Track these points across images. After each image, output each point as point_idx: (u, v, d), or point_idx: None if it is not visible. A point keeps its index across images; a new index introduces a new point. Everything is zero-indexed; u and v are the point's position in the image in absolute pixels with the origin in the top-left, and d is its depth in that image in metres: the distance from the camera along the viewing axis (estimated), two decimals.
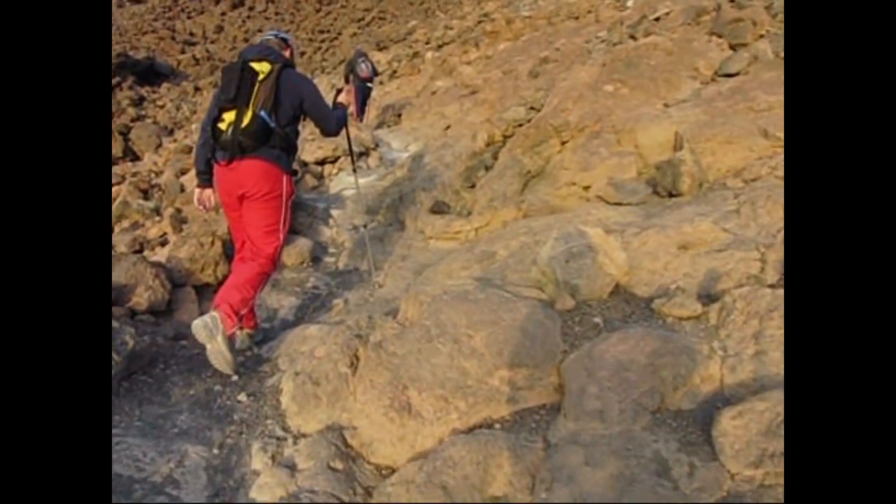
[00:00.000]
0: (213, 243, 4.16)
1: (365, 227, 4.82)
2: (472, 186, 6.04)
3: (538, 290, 2.96)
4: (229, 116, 3.12)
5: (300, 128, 3.51)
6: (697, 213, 3.37)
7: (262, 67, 3.15)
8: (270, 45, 3.37)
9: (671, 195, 4.10)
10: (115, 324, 2.84)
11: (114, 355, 2.64)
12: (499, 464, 1.95)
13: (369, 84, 12.49)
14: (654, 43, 6.61)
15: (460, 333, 2.46)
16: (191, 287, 4.06)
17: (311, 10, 34.99)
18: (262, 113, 3.09)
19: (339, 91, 3.89)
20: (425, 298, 2.74)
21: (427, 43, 21.44)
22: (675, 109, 5.30)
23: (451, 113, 11.42)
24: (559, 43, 12.74)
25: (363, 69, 12.58)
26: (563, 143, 5.82)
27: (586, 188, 5.06)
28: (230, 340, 2.96)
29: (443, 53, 18.57)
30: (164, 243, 6.37)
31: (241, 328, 3.50)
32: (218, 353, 2.88)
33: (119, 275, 3.59)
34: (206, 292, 4.23)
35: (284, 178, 3.28)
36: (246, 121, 3.08)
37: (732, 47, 6.31)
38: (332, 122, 3.48)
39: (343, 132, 3.81)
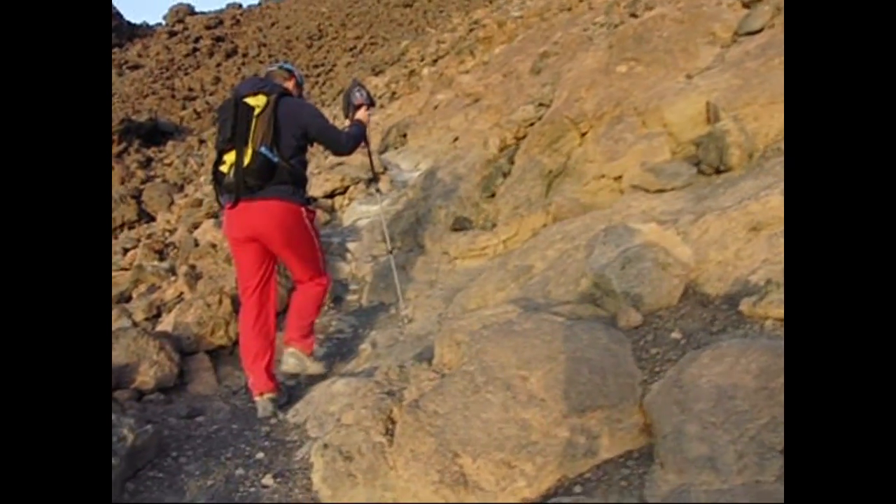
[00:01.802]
0: (220, 302, 3.79)
1: (390, 252, 4.41)
2: (492, 196, 5.61)
3: (594, 307, 2.50)
4: (230, 157, 2.96)
5: (307, 158, 3.28)
6: (760, 187, 2.88)
7: (257, 101, 2.96)
8: (268, 77, 3.26)
9: (719, 171, 3.62)
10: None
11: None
12: None
13: (367, 111, 12.18)
14: (660, 14, 6.13)
15: (512, 377, 2.02)
16: (203, 353, 3.68)
17: (303, 46, 35.21)
18: (263, 149, 2.90)
19: (357, 107, 3.64)
20: (462, 337, 2.31)
21: (422, 60, 21.26)
22: (700, 79, 4.82)
23: (456, 124, 11.04)
24: (556, 37, 12.33)
25: (357, 98, 12.29)
26: (583, 134, 5.37)
27: (617, 179, 4.60)
28: (311, 356, 3.40)
29: (439, 67, 18.31)
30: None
31: (262, 394, 3.12)
32: (315, 375, 3.40)
33: (119, 353, 3.22)
34: (221, 356, 3.85)
35: (302, 211, 3.10)
36: (247, 160, 2.90)
37: (746, 5, 5.82)
38: (342, 142, 3.31)
39: (363, 150, 3.63)
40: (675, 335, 2.14)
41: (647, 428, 1.86)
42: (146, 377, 3.18)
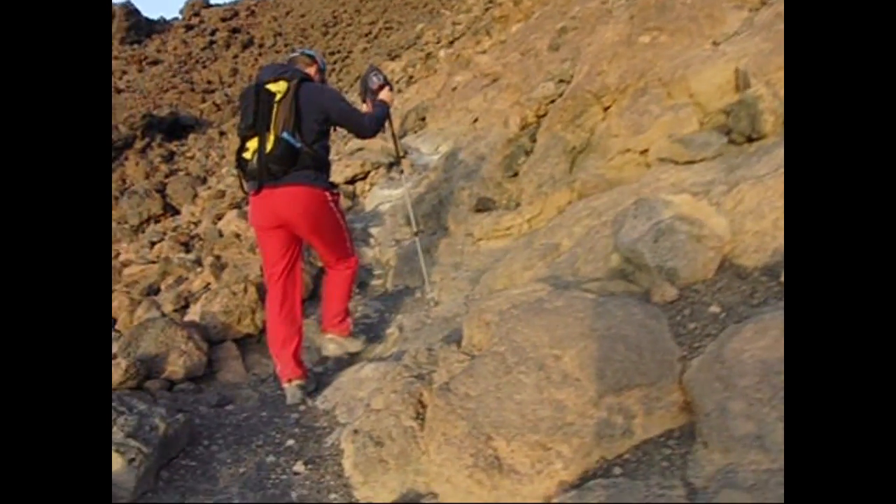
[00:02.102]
0: (245, 290, 3.78)
1: (416, 233, 4.35)
2: (515, 175, 5.52)
3: (626, 283, 2.42)
4: (252, 144, 2.96)
5: (329, 143, 3.26)
6: None
7: (278, 87, 2.96)
8: (291, 63, 3.26)
9: (751, 140, 3.48)
10: (142, 406, 2.45)
11: (143, 447, 2.24)
12: None
13: (382, 97, 12.09)
14: None
15: (544, 356, 1.95)
16: (230, 342, 3.68)
17: (319, 34, 35.10)
18: (285, 134, 2.89)
19: (374, 91, 3.61)
20: (492, 317, 2.25)
21: (438, 42, 21.02)
22: (727, 45, 4.65)
23: (475, 105, 10.89)
24: (574, 11, 12.03)
25: (374, 81, 12.21)
26: (606, 108, 5.24)
27: (643, 153, 4.47)
28: (349, 336, 3.51)
29: (456, 49, 18.09)
30: None
31: (290, 380, 3.11)
32: (356, 353, 3.53)
33: (148, 344, 3.23)
34: (248, 344, 3.85)
35: (326, 195, 3.10)
36: (269, 146, 2.90)
37: None
38: (365, 125, 3.28)
39: (383, 135, 3.58)
40: (714, 309, 2.06)
41: (687, 406, 1.79)
42: (176, 367, 3.19)
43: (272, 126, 2.91)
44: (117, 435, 2.25)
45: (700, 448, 1.65)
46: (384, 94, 3.59)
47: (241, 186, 3.19)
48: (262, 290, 3.93)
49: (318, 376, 3.51)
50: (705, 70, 4.37)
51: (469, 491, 1.78)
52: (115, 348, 3.43)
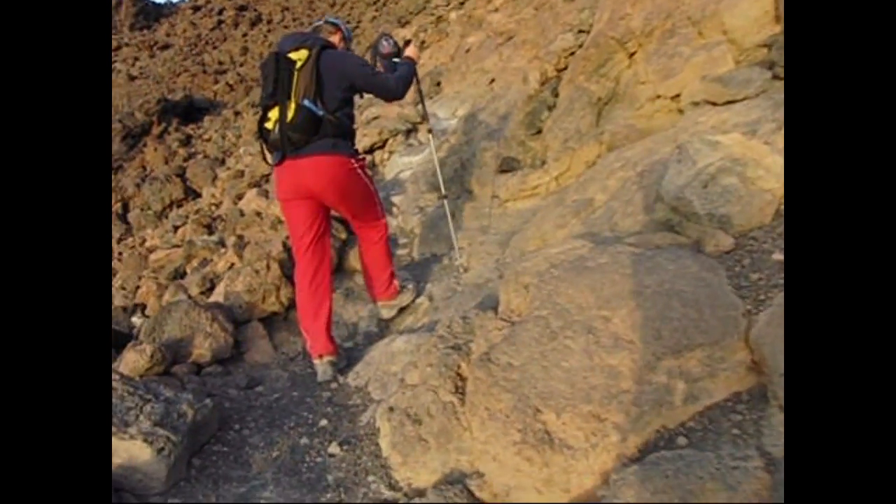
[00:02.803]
0: (268, 267, 3.65)
1: (444, 197, 4.18)
2: (538, 132, 5.28)
3: (672, 234, 2.22)
4: (274, 114, 2.89)
5: (354, 111, 3.17)
6: None
7: (299, 55, 2.88)
8: (314, 32, 3.19)
9: None
10: (169, 393, 2.35)
11: (171, 435, 2.14)
12: None
13: (395, 60, 11.85)
14: None
15: (592, 318, 1.78)
16: (256, 321, 3.57)
17: (326, 6, 34.55)
18: (307, 102, 2.81)
19: (406, 43, 3.52)
20: (530, 279, 2.08)
21: (447, 4, 20.44)
22: None
23: (491, 66, 10.56)
24: None
25: (384, 46, 11.96)
26: (631, 55, 4.94)
27: (675, 98, 4.20)
28: (399, 293, 3.55)
29: (466, 9, 17.58)
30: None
31: (321, 356, 3.00)
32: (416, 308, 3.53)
33: (173, 328, 3.13)
34: (274, 323, 3.74)
35: (351, 161, 3.02)
36: (291, 114, 2.82)
37: None
38: (391, 87, 3.14)
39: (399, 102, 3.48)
40: (778, 256, 1.85)
41: (756, 366, 1.61)
42: (202, 350, 3.09)
43: (293, 94, 2.83)
44: (144, 424, 2.15)
45: (775, 412, 1.48)
46: (410, 51, 3.47)
47: (264, 158, 3.11)
48: (285, 267, 3.82)
49: (348, 351, 3.40)
50: (740, 2, 4.05)
51: (518, 469, 1.64)
52: (140, 334, 3.35)
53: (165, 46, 37.71)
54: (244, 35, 35.80)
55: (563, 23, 8.08)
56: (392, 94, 3.18)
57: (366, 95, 3.39)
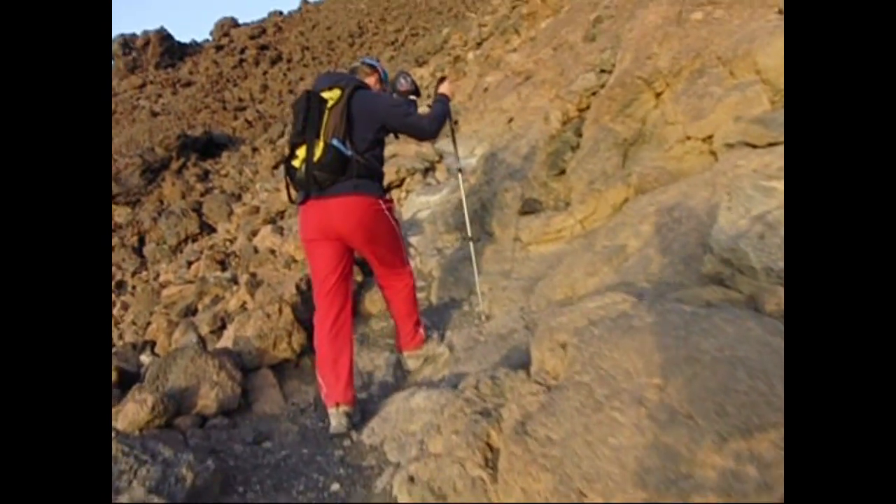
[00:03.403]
0: (280, 311, 3.48)
1: (471, 239, 3.98)
2: (562, 173, 5.13)
3: (723, 289, 2.02)
4: (301, 152, 2.82)
5: (384, 153, 3.11)
6: None
7: (331, 94, 2.86)
8: (350, 72, 3.19)
9: None
10: (167, 452, 2.16)
11: None
12: None
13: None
14: None
15: (642, 387, 1.57)
16: (266, 368, 3.38)
17: (345, 45, 35.25)
18: (335, 141, 2.77)
19: (440, 80, 3.46)
20: (567, 337, 1.88)
21: (465, 45, 20.76)
22: None
23: (509, 105, 10.53)
24: (606, 1, 11.63)
25: (402, 83, 12.01)
26: (658, 94, 4.82)
27: (707, 140, 4.04)
28: (426, 343, 3.39)
29: (484, 49, 17.80)
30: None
31: (338, 404, 2.82)
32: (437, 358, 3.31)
33: (177, 376, 2.95)
34: (285, 370, 3.55)
35: (379, 202, 2.95)
36: (318, 153, 2.76)
37: None
38: (425, 127, 3.08)
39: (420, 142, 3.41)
40: None
41: None
42: (207, 400, 2.90)
43: (322, 133, 2.78)
44: (138, 490, 1.95)
45: None
46: (445, 88, 3.42)
47: (289, 196, 3.02)
48: (297, 311, 3.64)
49: (363, 404, 3.20)
50: (774, 42, 3.92)
51: None
52: (144, 377, 3.17)
53: (188, 84, 38.54)
54: (264, 73, 36.53)
55: (584, 63, 8.02)
56: (426, 134, 3.11)
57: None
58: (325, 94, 2.86)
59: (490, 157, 6.45)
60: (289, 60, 37.56)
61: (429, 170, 7.72)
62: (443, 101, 3.30)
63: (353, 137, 2.84)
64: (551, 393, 1.75)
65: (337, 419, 2.80)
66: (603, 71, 6.77)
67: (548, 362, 1.90)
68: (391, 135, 3.12)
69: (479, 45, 19.35)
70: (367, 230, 2.90)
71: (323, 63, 34.48)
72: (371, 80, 3.18)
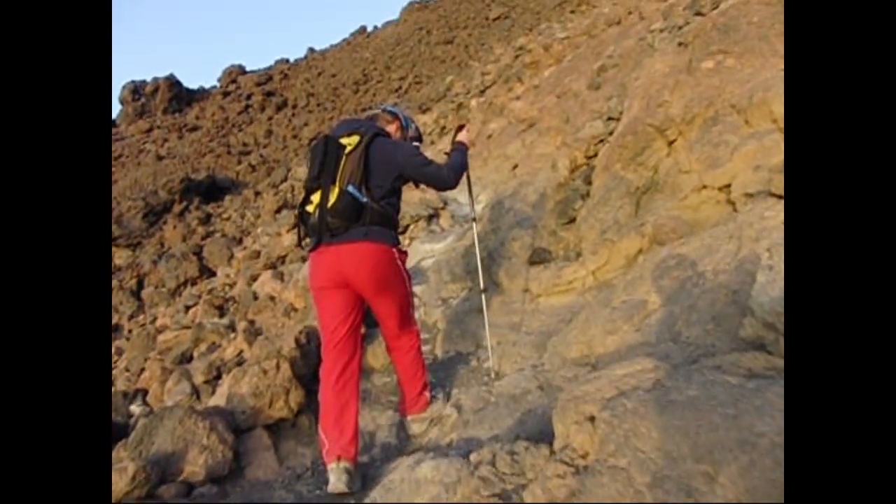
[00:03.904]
0: (278, 367, 3.27)
1: (484, 290, 3.74)
2: (572, 221, 4.98)
3: (766, 355, 1.83)
4: (316, 197, 2.75)
5: (400, 202, 3.01)
6: None
7: (350, 140, 2.80)
8: (370, 118, 3.10)
9: None
10: None
11: None
12: None
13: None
14: (742, 1, 5.45)
15: (690, 475, 1.37)
16: (261, 429, 3.15)
17: (350, 92, 35.80)
18: (350, 188, 2.69)
19: (459, 128, 3.36)
20: (594, 409, 1.68)
21: (468, 93, 21.03)
22: None
23: (513, 152, 10.51)
24: (609, 51, 11.76)
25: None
26: (671, 143, 4.71)
27: (724, 189, 3.91)
28: (429, 405, 3.17)
29: (487, 97, 18.00)
30: (241, 363, 5.65)
31: (339, 458, 2.60)
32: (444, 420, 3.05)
33: (164, 439, 2.72)
34: (281, 430, 3.32)
35: (393, 252, 2.83)
36: (333, 199, 2.68)
37: None
38: (444, 177, 2.98)
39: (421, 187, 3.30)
40: None
41: None
42: (195, 466, 2.66)
43: (338, 179, 2.71)
44: None
45: None
46: (463, 136, 3.32)
47: (299, 241, 2.90)
48: (296, 366, 3.43)
49: (364, 468, 2.96)
50: None
51: None
52: (129, 439, 2.94)
53: (194, 129, 38.99)
54: (269, 118, 36.99)
55: (590, 110, 8.00)
56: (445, 184, 3.02)
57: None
58: (344, 140, 2.79)
59: (496, 204, 6.32)
60: (294, 106, 38.08)
61: (433, 216, 7.60)
62: (461, 151, 3.22)
63: (370, 184, 2.76)
64: (581, 476, 1.54)
65: (336, 475, 2.57)
66: (610, 118, 6.72)
67: (574, 438, 1.70)
68: (409, 183, 3.04)
69: (482, 92, 19.59)
70: (379, 278, 2.77)
71: (328, 109, 34.94)
72: (392, 128, 3.11)
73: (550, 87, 13.08)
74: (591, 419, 1.70)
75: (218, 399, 3.46)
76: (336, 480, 2.55)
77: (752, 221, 2.87)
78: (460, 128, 3.37)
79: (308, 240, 2.86)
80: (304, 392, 3.35)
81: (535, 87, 14.73)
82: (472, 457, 2.20)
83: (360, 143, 2.76)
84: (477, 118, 16.17)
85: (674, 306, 2.66)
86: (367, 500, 2.55)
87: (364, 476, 2.83)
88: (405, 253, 2.98)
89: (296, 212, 2.91)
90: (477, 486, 1.77)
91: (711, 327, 2.33)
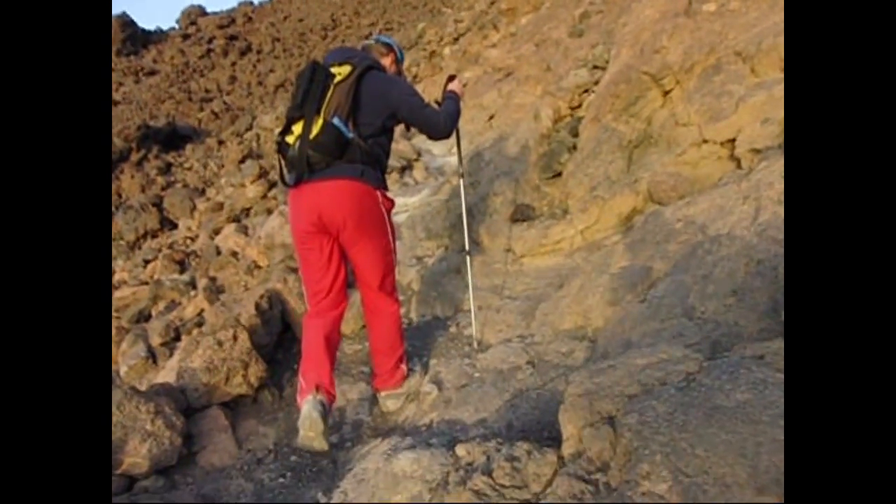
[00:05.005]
0: (235, 338, 2.90)
1: (468, 253, 3.33)
2: (557, 176, 4.64)
3: None
4: (298, 128, 2.50)
5: (390, 143, 2.76)
6: None
7: (340, 70, 2.54)
8: (364, 49, 2.83)
9: None
10: None
11: None
12: None
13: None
14: None
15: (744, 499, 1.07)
16: (217, 407, 2.81)
17: (318, 38, 34.41)
18: (335, 120, 2.45)
19: (450, 78, 3.04)
20: (613, 408, 1.38)
21: (440, 40, 20.28)
22: None
23: (490, 102, 10.06)
24: None
25: None
26: (667, 92, 4.37)
27: (727, 143, 3.59)
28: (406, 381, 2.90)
29: (461, 45, 17.34)
30: (201, 324, 5.27)
31: (318, 388, 2.43)
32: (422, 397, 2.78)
33: None
34: (240, 407, 2.98)
35: (378, 195, 2.58)
36: (315, 130, 2.44)
37: None
38: (439, 124, 2.69)
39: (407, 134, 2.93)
40: None
41: None
42: (137, 457, 2.31)
43: (322, 109, 2.46)
44: None
45: None
46: (454, 86, 2.97)
47: (281, 177, 2.62)
48: (257, 335, 3.07)
49: (335, 448, 2.67)
50: None
51: None
52: None
53: (152, 73, 37.13)
54: (233, 64, 35.42)
55: (573, 58, 7.57)
56: (439, 131, 2.69)
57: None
58: (334, 69, 2.53)
59: (474, 156, 5.93)
60: (259, 52, 36.44)
61: (406, 168, 7.18)
62: (454, 99, 2.87)
63: (358, 120, 2.52)
64: (604, 495, 1.23)
65: (310, 405, 2.35)
66: (596, 67, 6.32)
67: (590, 445, 1.39)
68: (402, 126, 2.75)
69: (455, 40, 18.90)
70: (360, 220, 2.52)
71: (294, 55, 33.53)
72: (387, 62, 2.81)
73: (528, 34, 12.54)
74: (611, 420, 1.39)
75: (168, 372, 3.09)
76: (308, 411, 2.33)
77: (771, 181, 2.56)
78: (451, 78, 3.02)
79: (289, 175, 2.57)
80: (266, 365, 3.00)
81: (512, 34, 14.17)
82: (459, 451, 1.90)
83: (351, 73, 2.48)
84: (450, 66, 15.55)
85: (684, 275, 2.36)
86: (337, 491, 2.26)
87: (335, 461, 2.54)
88: (392, 201, 2.68)
89: (274, 140, 2.63)
90: (470, 498, 1.46)
91: (732, 301, 2.04)
